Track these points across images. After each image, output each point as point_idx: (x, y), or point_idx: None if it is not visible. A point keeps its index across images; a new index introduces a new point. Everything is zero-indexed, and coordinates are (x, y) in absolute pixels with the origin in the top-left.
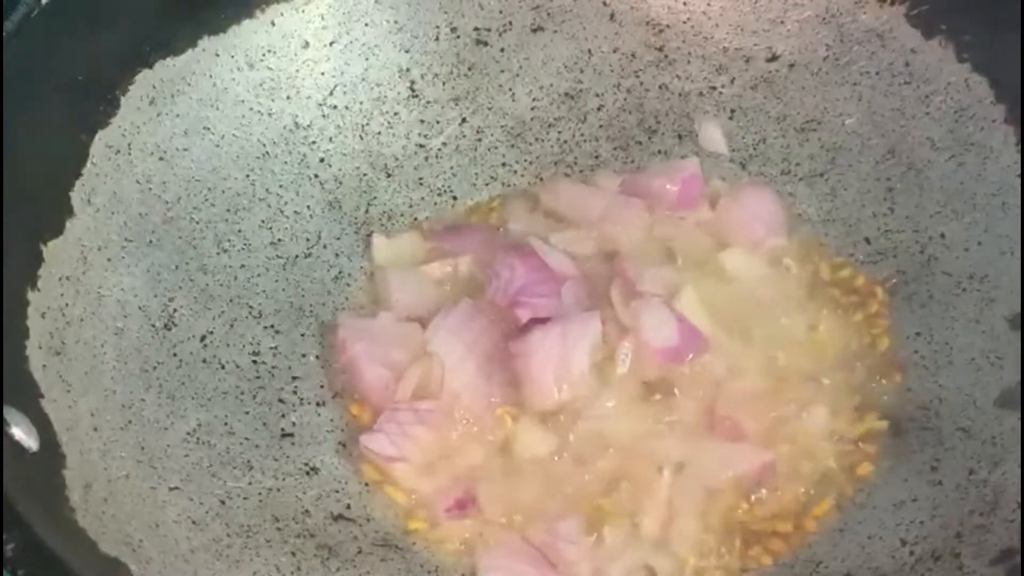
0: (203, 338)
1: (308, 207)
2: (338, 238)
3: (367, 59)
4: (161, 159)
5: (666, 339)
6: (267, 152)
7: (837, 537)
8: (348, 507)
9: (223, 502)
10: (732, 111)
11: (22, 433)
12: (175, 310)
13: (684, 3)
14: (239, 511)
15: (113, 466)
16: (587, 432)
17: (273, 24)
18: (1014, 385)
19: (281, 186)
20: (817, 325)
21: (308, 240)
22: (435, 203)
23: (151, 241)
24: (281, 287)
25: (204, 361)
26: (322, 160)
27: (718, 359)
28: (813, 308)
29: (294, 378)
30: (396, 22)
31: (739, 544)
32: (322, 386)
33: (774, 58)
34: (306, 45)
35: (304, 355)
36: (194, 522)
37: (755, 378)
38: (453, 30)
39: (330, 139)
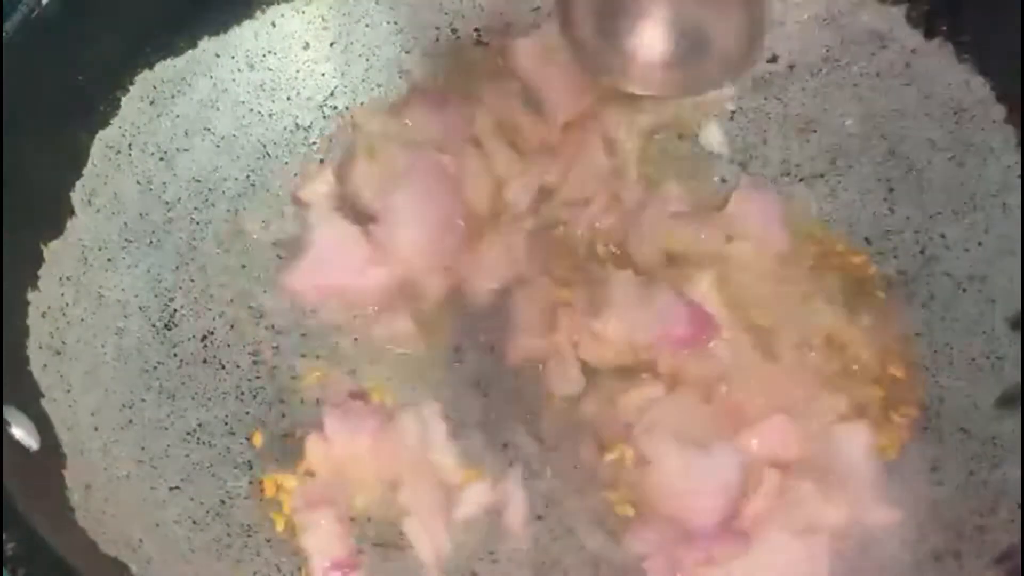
0: (203, 338)
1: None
2: None
3: (367, 60)
4: (161, 159)
5: (680, 327)
6: (267, 153)
7: None
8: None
9: (223, 502)
10: (732, 111)
11: (22, 433)
12: (175, 310)
13: None
14: (239, 511)
15: (113, 466)
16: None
17: (274, 25)
18: (1014, 385)
19: (281, 187)
20: (819, 325)
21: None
22: None
23: (151, 241)
24: (281, 287)
25: (204, 361)
26: (322, 161)
27: (727, 350)
28: (815, 307)
29: (294, 378)
30: (396, 23)
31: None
32: (322, 386)
33: (774, 59)
34: (307, 46)
35: (304, 355)
36: (194, 522)
37: (763, 372)
38: (453, 31)
39: (330, 140)
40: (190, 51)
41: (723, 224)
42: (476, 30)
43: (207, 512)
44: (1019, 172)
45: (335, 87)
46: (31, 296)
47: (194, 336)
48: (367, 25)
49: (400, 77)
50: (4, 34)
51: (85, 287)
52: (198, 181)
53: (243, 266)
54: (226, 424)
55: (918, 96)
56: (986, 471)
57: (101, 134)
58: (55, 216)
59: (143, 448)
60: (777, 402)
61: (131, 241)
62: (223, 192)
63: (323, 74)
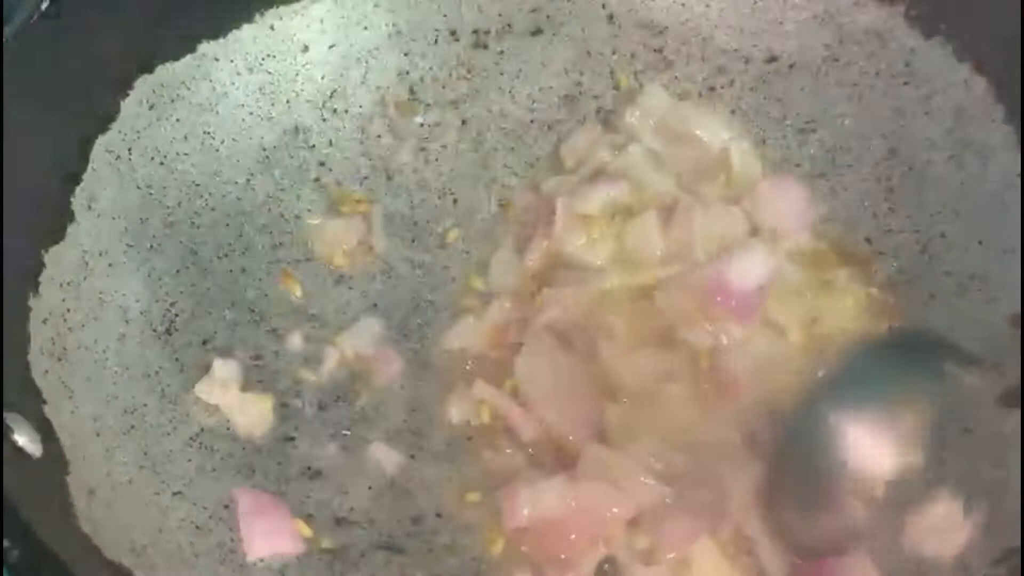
0: (204, 342)
1: (309, 211)
2: None
3: (366, 62)
4: (161, 164)
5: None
6: (267, 156)
7: None
8: (351, 509)
9: (226, 506)
10: (732, 112)
11: (25, 439)
12: (176, 315)
13: (683, 5)
14: None
15: (116, 471)
16: None
17: (272, 28)
18: (1014, 385)
19: (282, 190)
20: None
21: (309, 243)
22: (435, 205)
23: (152, 246)
24: (282, 290)
25: (206, 366)
26: (322, 164)
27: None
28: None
29: (296, 381)
30: (395, 25)
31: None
32: (324, 389)
33: (773, 59)
34: (305, 49)
35: (306, 359)
36: (197, 527)
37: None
38: (452, 33)
39: (330, 142)
40: (189, 55)
41: (748, 213)
42: (475, 32)
43: (210, 517)
44: (1019, 172)
45: (334, 90)
46: (32, 302)
47: (195, 341)
48: (365, 28)
49: (399, 79)
50: (4, 38)
51: (86, 292)
52: (198, 185)
53: (243, 270)
54: (228, 429)
55: (918, 96)
56: (987, 471)
57: (101, 139)
58: (55, 221)
59: (145, 453)
60: (772, 384)
61: (131, 246)
62: (223, 196)
63: (322, 77)
